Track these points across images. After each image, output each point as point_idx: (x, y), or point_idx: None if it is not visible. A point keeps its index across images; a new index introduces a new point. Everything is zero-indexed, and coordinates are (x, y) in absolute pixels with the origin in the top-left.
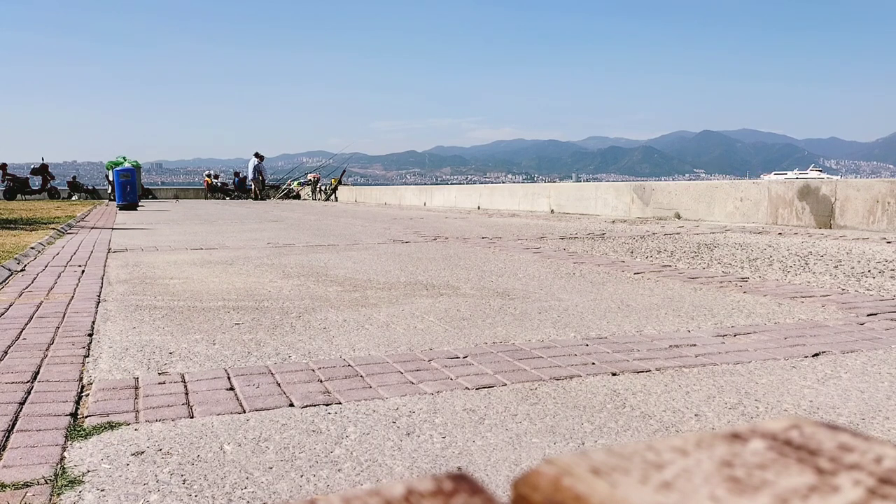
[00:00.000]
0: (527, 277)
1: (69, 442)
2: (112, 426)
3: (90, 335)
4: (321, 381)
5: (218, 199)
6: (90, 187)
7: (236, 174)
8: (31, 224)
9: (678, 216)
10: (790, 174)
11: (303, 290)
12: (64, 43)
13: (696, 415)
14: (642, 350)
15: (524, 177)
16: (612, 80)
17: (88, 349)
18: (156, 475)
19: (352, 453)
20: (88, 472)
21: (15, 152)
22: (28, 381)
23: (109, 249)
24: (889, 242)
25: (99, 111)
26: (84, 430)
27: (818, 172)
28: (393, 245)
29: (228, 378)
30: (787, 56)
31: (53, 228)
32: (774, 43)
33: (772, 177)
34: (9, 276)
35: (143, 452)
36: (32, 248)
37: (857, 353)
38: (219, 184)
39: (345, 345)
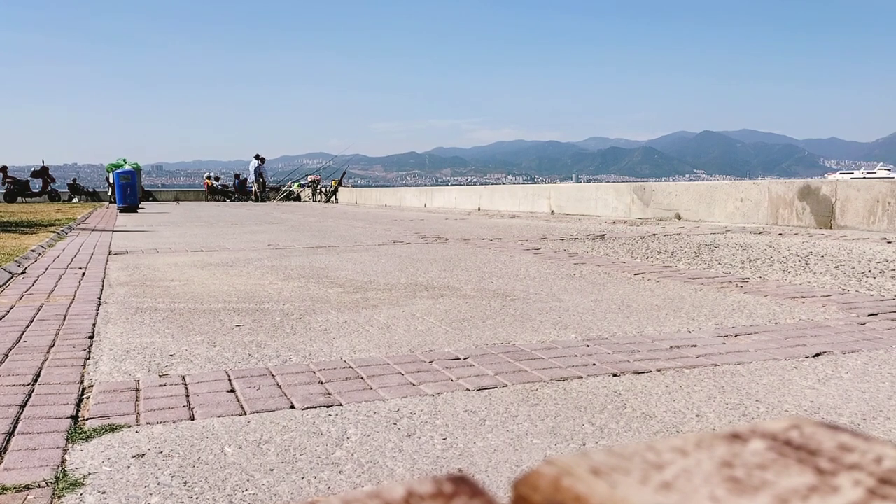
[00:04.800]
0: (527, 278)
1: (70, 444)
2: (113, 428)
3: (91, 338)
4: (322, 383)
5: (218, 201)
6: (90, 189)
7: (237, 176)
8: (31, 226)
9: (678, 217)
10: (857, 174)
11: (303, 292)
12: (64, 44)
13: (696, 415)
14: (643, 351)
15: (524, 178)
16: (612, 80)
17: (89, 352)
18: (157, 477)
19: (353, 455)
20: (89, 474)
21: (15, 155)
22: (29, 384)
23: (110, 252)
24: (889, 242)
25: (99, 113)
26: (85, 432)
27: (887, 172)
28: (393, 246)
29: (229, 380)
30: (788, 56)
31: (54, 231)
32: (774, 43)
33: (837, 175)
34: (9, 279)
35: (143, 455)
36: (33, 250)
37: (858, 353)
38: (219, 186)
39: (345, 346)
